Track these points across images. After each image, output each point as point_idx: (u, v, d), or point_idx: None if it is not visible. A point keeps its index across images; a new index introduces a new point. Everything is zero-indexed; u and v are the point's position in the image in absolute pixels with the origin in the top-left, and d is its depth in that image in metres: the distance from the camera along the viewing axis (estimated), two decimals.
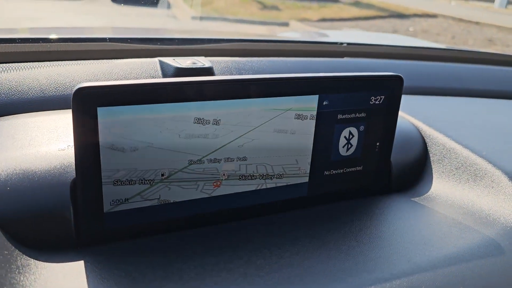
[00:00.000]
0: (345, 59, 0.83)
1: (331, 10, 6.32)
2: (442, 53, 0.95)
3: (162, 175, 0.43)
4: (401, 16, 6.27)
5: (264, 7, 5.97)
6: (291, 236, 0.43)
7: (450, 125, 0.63)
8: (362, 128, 0.52)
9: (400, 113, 0.64)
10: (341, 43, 0.86)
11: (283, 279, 0.36)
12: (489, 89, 0.85)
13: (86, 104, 0.38)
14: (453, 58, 0.93)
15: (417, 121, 0.64)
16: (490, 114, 0.73)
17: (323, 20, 5.42)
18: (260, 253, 0.40)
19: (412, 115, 0.65)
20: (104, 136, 0.39)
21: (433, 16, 6.41)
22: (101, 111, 0.39)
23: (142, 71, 0.64)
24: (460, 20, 6.08)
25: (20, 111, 0.54)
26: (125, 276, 0.36)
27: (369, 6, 7.22)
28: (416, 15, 6.31)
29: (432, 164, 0.58)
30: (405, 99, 0.72)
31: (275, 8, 6.14)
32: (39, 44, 0.64)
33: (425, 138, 0.61)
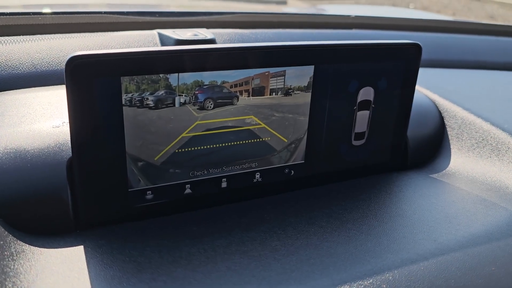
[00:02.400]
0: (354, 30, 0.79)
1: None
2: (456, 25, 0.91)
3: None
4: None
5: None
6: (306, 216, 0.40)
7: (467, 98, 0.60)
8: (375, 99, 0.49)
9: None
10: (349, 16, 0.82)
11: (302, 261, 0.33)
12: (506, 61, 0.82)
13: (81, 75, 0.34)
14: (467, 30, 0.89)
15: (433, 94, 0.60)
16: (508, 87, 0.69)
17: None
18: (274, 234, 0.37)
19: (427, 87, 0.62)
20: (101, 110, 0.36)
21: None
22: (98, 83, 0.35)
23: (140, 43, 0.60)
24: None
25: (10, 87, 0.50)
26: (129, 261, 0.33)
27: None
28: None
29: (450, 138, 0.55)
30: (420, 72, 0.69)
31: None
32: (29, 16, 0.60)
33: (441, 111, 0.58)
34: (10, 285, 0.29)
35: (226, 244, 0.35)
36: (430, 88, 0.62)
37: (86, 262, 0.33)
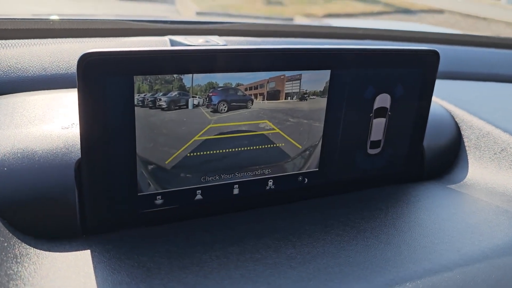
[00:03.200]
0: (367, 41, 0.78)
1: (337, 6, 6.25)
2: (472, 38, 0.90)
3: None
4: (407, 11, 6.19)
5: (269, 2, 5.91)
6: (321, 224, 0.39)
7: (484, 109, 0.59)
8: (391, 107, 0.47)
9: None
10: (360, 28, 0.81)
11: (319, 270, 0.32)
12: None
13: (93, 73, 0.33)
14: (483, 43, 0.88)
15: (449, 105, 0.59)
16: None
17: (329, 15, 5.36)
18: (289, 242, 0.35)
19: (443, 98, 0.61)
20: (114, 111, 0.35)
21: (440, 11, 6.33)
22: (111, 82, 0.34)
23: None
24: (468, 15, 6.00)
25: (20, 89, 0.50)
26: (138, 266, 0.31)
27: (375, 1, 7.15)
28: (422, 11, 6.23)
29: (467, 149, 0.54)
30: (437, 84, 0.67)
31: (279, 3, 6.08)
32: (41, 21, 0.60)
33: (458, 122, 0.56)
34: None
35: (239, 251, 0.34)
36: (446, 99, 0.61)
37: (93, 267, 0.31)
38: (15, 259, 0.30)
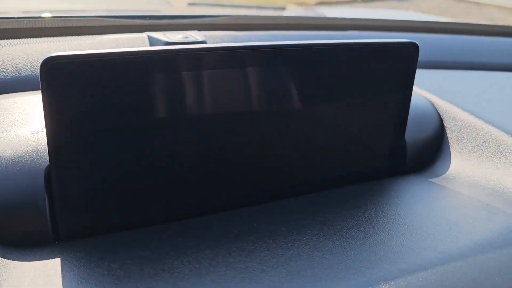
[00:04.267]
0: (350, 32, 0.77)
1: None
2: (455, 26, 0.89)
3: None
4: None
5: None
6: (297, 224, 0.38)
7: (467, 100, 0.58)
8: (371, 101, 0.47)
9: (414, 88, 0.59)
10: (345, 18, 0.80)
11: (292, 273, 0.31)
12: (507, 62, 0.80)
13: (56, 77, 0.32)
14: (466, 31, 0.87)
15: (432, 96, 0.58)
16: (509, 88, 0.67)
17: (321, 3, 5.32)
18: (264, 244, 0.35)
19: (426, 89, 0.60)
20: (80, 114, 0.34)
21: None
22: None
23: (129, 46, 0.59)
24: (460, 0, 5.98)
25: None
26: (107, 274, 0.31)
27: None
28: None
29: (450, 141, 0.53)
30: (416, 73, 0.67)
31: None
32: (15, 20, 0.58)
33: (441, 114, 0.56)
34: None
35: (212, 256, 0.33)
36: (429, 90, 0.60)
37: (62, 276, 0.31)
38: None
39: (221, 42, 0.64)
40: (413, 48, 0.47)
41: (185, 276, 0.31)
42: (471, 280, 0.32)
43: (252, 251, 0.34)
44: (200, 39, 0.59)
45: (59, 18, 0.60)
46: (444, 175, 0.50)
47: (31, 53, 0.53)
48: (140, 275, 0.31)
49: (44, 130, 0.39)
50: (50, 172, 0.35)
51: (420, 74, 0.65)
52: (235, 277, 0.31)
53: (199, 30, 0.65)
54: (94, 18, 0.62)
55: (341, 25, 0.78)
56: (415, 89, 0.59)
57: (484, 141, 0.50)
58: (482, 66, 0.77)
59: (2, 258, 0.32)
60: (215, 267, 0.32)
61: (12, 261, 0.32)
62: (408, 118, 0.50)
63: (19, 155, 0.36)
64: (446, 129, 0.54)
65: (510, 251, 0.35)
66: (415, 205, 0.43)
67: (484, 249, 0.35)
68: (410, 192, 0.46)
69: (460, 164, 0.50)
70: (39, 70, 0.31)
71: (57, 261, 0.32)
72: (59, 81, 0.32)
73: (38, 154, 0.37)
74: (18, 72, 0.51)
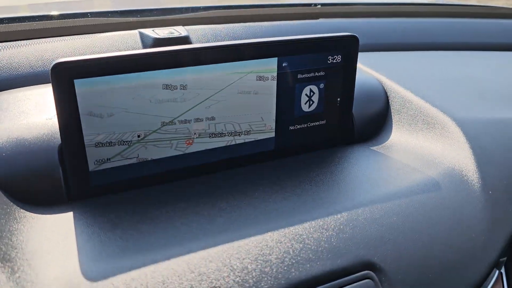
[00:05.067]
0: (320, 20, 0.87)
1: None
2: (419, 9, 0.98)
3: (138, 136, 0.49)
4: None
5: None
6: (255, 184, 0.49)
7: (410, 78, 0.68)
8: (322, 85, 0.57)
9: (366, 69, 0.69)
10: (316, 5, 0.89)
11: (240, 217, 0.43)
12: (455, 41, 0.89)
13: (63, 77, 0.43)
14: (411, 13, 0.96)
15: (381, 76, 0.68)
16: (451, 66, 0.77)
17: None
18: (224, 199, 0.46)
19: (378, 70, 0.70)
20: (82, 104, 0.45)
21: None
22: (78, 83, 0.44)
23: (123, 43, 0.69)
24: None
25: (12, 86, 0.60)
26: (107, 221, 0.42)
27: None
28: None
29: (392, 115, 0.64)
30: (374, 56, 0.77)
31: None
32: (25, 23, 0.69)
33: (387, 91, 0.66)
34: (3, 248, 0.38)
35: (184, 207, 0.44)
36: (381, 71, 0.70)
37: (74, 224, 0.42)
38: (15, 220, 0.41)
39: (202, 35, 0.75)
40: (353, 39, 0.57)
41: (162, 221, 0.42)
42: (374, 219, 0.43)
43: (214, 203, 0.45)
44: (183, 34, 0.70)
45: (61, 20, 0.71)
46: (384, 144, 0.60)
47: (41, 52, 0.64)
48: (130, 221, 0.42)
49: (56, 117, 0.50)
50: (62, 149, 0.46)
51: (371, 57, 0.75)
52: (199, 220, 0.42)
53: (184, 25, 0.76)
54: (90, 18, 0.72)
55: (312, 14, 0.88)
56: (366, 69, 0.69)
57: (418, 114, 0.61)
58: (426, 46, 0.87)
59: (30, 212, 0.43)
60: (186, 214, 0.43)
61: (37, 214, 0.43)
62: (358, 95, 0.60)
63: (38, 136, 0.48)
64: (390, 105, 0.65)
65: (412, 199, 0.46)
66: (357, 167, 0.54)
67: (391, 198, 0.46)
68: (350, 158, 0.56)
69: (398, 134, 0.61)
70: (49, 71, 0.42)
71: (70, 214, 0.44)
72: (65, 80, 0.43)
73: (52, 135, 0.48)
74: (32, 68, 0.62)
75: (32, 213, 0.43)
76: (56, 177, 0.46)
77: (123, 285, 0.35)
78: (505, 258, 0.56)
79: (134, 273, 0.35)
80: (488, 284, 0.50)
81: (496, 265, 0.54)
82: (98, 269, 0.36)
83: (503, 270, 0.56)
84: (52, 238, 0.40)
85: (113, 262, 0.37)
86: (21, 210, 0.43)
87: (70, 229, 0.41)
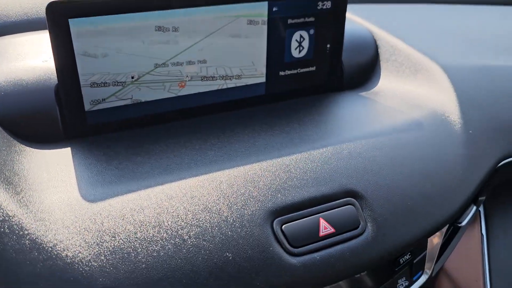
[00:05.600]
0: None
1: None
2: None
3: (132, 77, 0.50)
4: None
5: None
6: (245, 124, 0.51)
7: (401, 29, 0.69)
8: (312, 31, 0.58)
9: (357, 19, 0.70)
10: None
11: (231, 151, 0.45)
12: None
13: (58, 16, 0.44)
14: None
15: (371, 26, 0.70)
16: (443, 19, 0.78)
17: None
18: (215, 136, 0.48)
19: (368, 21, 0.71)
20: (77, 44, 0.46)
21: None
22: (72, 22, 0.45)
23: None
24: None
25: (8, 33, 0.61)
26: (103, 155, 0.44)
27: None
28: None
29: (381, 63, 0.65)
30: (365, 8, 0.78)
31: None
32: None
33: (376, 40, 0.67)
34: (6, 173, 0.40)
35: (176, 142, 0.47)
36: (372, 21, 0.71)
37: (72, 156, 0.44)
38: (17, 153, 0.43)
39: None
40: None
41: (156, 153, 0.45)
42: (356, 153, 0.45)
43: (206, 139, 0.47)
44: None
45: None
46: (372, 90, 0.62)
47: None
48: (125, 153, 0.45)
49: (51, 59, 0.52)
50: (58, 89, 0.48)
51: (363, 8, 0.76)
52: (190, 153, 0.44)
53: None
54: None
55: None
56: (357, 19, 0.71)
57: (405, 61, 0.62)
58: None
59: (27, 147, 0.45)
60: (178, 148, 0.45)
61: (37, 149, 0.46)
62: (348, 44, 0.62)
63: (35, 77, 0.49)
64: (379, 53, 0.66)
65: (394, 136, 0.49)
66: (344, 110, 0.56)
67: (373, 135, 0.48)
68: (343, 102, 0.58)
69: (386, 81, 0.63)
70: (45, 12, 0.43)
71: (68, 149, 0.46)
72: (60, 19, 0.44)
73: (49, 77, 0.50)
74: (26, 16, 0.63)
75: (32, 148, 0.45)
76: (53, 116, 0.48)
77: (120, 206, 0.37)
78: (484, 197, 0.59)
79: (130, 196, 0.38)
80: (465, 218, 0.53)
81: (475, 202, 0.57)
82: (96, 193, 0.38)
83: (481, 209, 0.59)
84: (52, 168, 0.42)
85: (110, 187, 0.39)
86: (21, 145, 0.45)
87: (68, 161, 0.43)
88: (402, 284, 0.47)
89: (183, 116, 0.54)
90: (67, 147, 0.47)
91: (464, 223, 0.52)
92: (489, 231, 0.56)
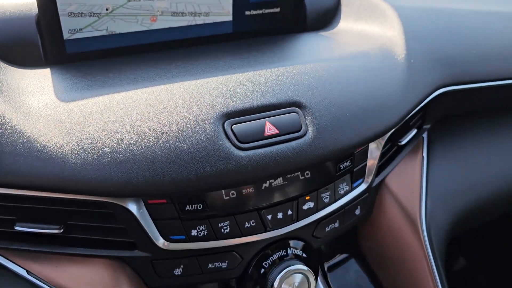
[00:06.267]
0: None
1: None
2: None
3: (107, 9, 0.56)
4: None
5: None
6: (210, 54, 0.57)
7: None
8: None
9: None
10: None
11: (192, 69, 0.50)
12: None
13: None
14: None
15: None
16: None
17: None
18: (181, 60, 0.53)
19: None
20: None
21: None
22: None
23: None
24: None
25: None
26: (78, 72, 0.50)
27: None
28: None
29: (342, 7, 0.70)
30: None
31: None
32: None
33: None
34: None
35: (145, 64, 0.52)
36: None
37: (51, 74, 0.50)
38: (1, 70, 0.49)
39: None
40: None
41: (127, 71, 0.50)
42: (323, 71, 0.51)
43: (172, 61, 0.53)
44: None
45: None
46: (331, 31, 0.67)
47: None
48: (99, 71, 0.50)
49: None
50: (39, 18, 0.53)
51: None
52: (158, 73, 0.50)
53: None
54: None
55: None
56: None
57: (364, 5, 0.67)
58: None
59: (11, 66, 0.51)
60: (146, 68, 0.51)
61: (22, 69, 0.51)
62: None
63: (16, 7, 0.54)
64: None
65: (342, 62, 0.54)
66: (302, 44, 0.61)
67: (321, 60, 0.54)
68: (303, 39, 0.64)
69: (345, 23, 0.68)
70: None
71: (47, 70, 0.51)
72: None
73: (29, 6, 0.55)
74: None
75: (18, 68, 0.51)
76: (35, 43, 0.53)
77: (91, 105, 0.43)
78: (428, 126, 0.65)
79: (100, 98, 0.44)
80: (406, 138, 0.59)
81: (419, 128, 0.63)
82: (70, 96, 0.44)
83: (425, 136, 0.65)
84: (32, 81, 0.48)
85: (83, 92, 0.45)
86: (5, 64, 0.50)
87: (47, 77, 0.49)
88: (343, 188, 0.53)
89: (155, 49, 0.60)
90: (47, 68, 0.52)
91: (403, 142, 0.58)
92: (429, 155, 0.62)
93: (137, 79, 0.48)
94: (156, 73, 0.49)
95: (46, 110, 0.42)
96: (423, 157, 0.62)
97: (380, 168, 0.58)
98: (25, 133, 0.40)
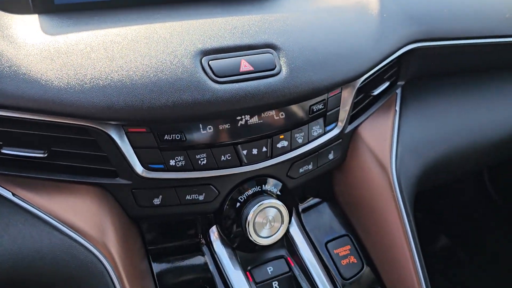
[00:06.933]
0: None
1: None
2: None
3: None
4: None
5: None
6: (194, 5, 0.59)
7: None
8: None
9: None
10: None
11: (174, 14, 0.53)
12: None
13: None
14: None
15: None
16: None
17: None
18: (164, 10, 0.55)
19: None
20: None
21: None
22: None
23: None
24: None
25: None
26: (66, 16, 0.52)
27: None
28: None
29: None
30: None
31: None
32: None
33: None
34: None
35: (130, 14, 0.53)
36: None
37: (39, 18, 0.52)
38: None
39: None
40: None
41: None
42: (298, 21, 0.54)
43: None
44: None
45: None
46: None
47: None
48: (87, 15, 0.52)
49: None
50: None
51: None
52: (146, 14, 0.53)
53: None
54: None
55: None
56: None
57: None
58: None
59: (5, 12, 0.53)
60: (138, 11, 0.53)
61: (10, 14, 0.53)
62: None
63: None
64: None
65: (330, 13, 0.57)
66: (280, 6, 0.63)
67: (312, 12, 0.57)
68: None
69: None
70: None
71: (35, 16, 0.53)
72: None
73: None
74: None
75: (3, 12, 0.53)
76: None
77: (75, 37, 0.47)
78: (402, 82, 0.68)
79: (84, 33, 0.47)
80: (378, 89, 0.62)
81: (393, 83, 0.66)
82: (55, 30, 0.47)
83: (399, 91, 0.68)
84: (19, 21, 0.50)
85: (67, 28, 0.48)
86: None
87: (35, 20, 0.51)
88: (316, 131, 0.56)
89: (141, 3, 0.62)
90: (35, 15, 0.54)
91: (375, 93, 0.61)
92: (402, 109, 0.65)
93: (120, 20, 0.51)
94: (138, 16, 0.52)
95: (31, 40, 0.45)
96: (395, 110, 0.65)
97: (353, 117, 0.61)
98: (10, 58, 0.43)
